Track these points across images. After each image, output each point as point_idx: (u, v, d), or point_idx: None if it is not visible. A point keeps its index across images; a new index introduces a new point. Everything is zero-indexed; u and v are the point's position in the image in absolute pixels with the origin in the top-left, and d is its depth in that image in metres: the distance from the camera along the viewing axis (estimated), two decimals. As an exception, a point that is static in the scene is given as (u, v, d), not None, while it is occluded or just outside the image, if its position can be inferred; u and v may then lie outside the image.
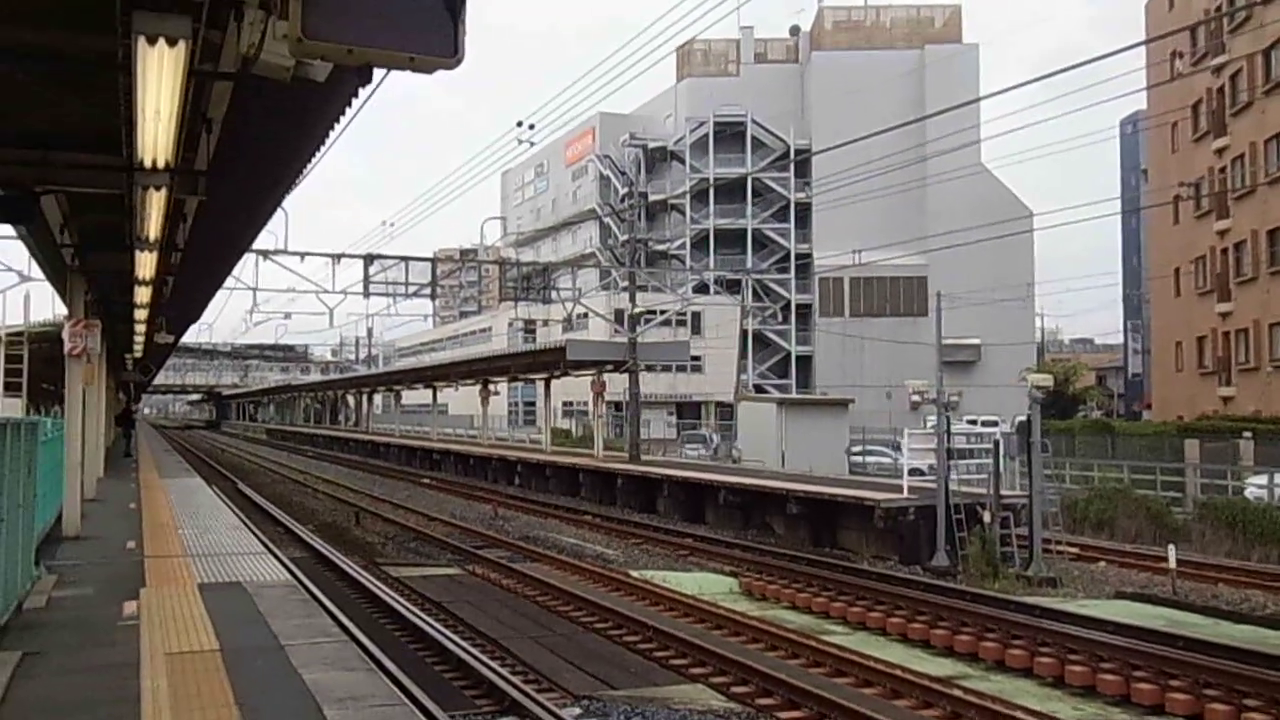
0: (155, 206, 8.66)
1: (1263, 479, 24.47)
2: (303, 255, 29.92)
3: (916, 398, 20.49)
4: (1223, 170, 47.04)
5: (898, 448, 25.78)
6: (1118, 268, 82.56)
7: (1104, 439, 36.87)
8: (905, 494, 19.51)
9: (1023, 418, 19.27)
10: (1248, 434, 29.29)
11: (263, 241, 27.42)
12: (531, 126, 27.76)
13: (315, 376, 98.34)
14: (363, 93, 7.38)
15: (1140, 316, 71.01)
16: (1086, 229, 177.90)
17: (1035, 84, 42.78)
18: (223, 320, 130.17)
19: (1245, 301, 44.74)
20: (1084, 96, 50.53)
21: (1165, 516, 23.14)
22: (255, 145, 8.94)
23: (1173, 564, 16.77)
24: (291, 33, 3.45)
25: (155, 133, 6.37)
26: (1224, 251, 46.74)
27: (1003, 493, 18.51)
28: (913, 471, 20.83)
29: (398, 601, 13.84)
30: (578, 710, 9.34)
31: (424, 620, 12.64)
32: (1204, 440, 29.69)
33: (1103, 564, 19.20)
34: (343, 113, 7.84)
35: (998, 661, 12.03)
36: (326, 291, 32.34)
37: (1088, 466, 30.06)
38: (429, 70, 3.81)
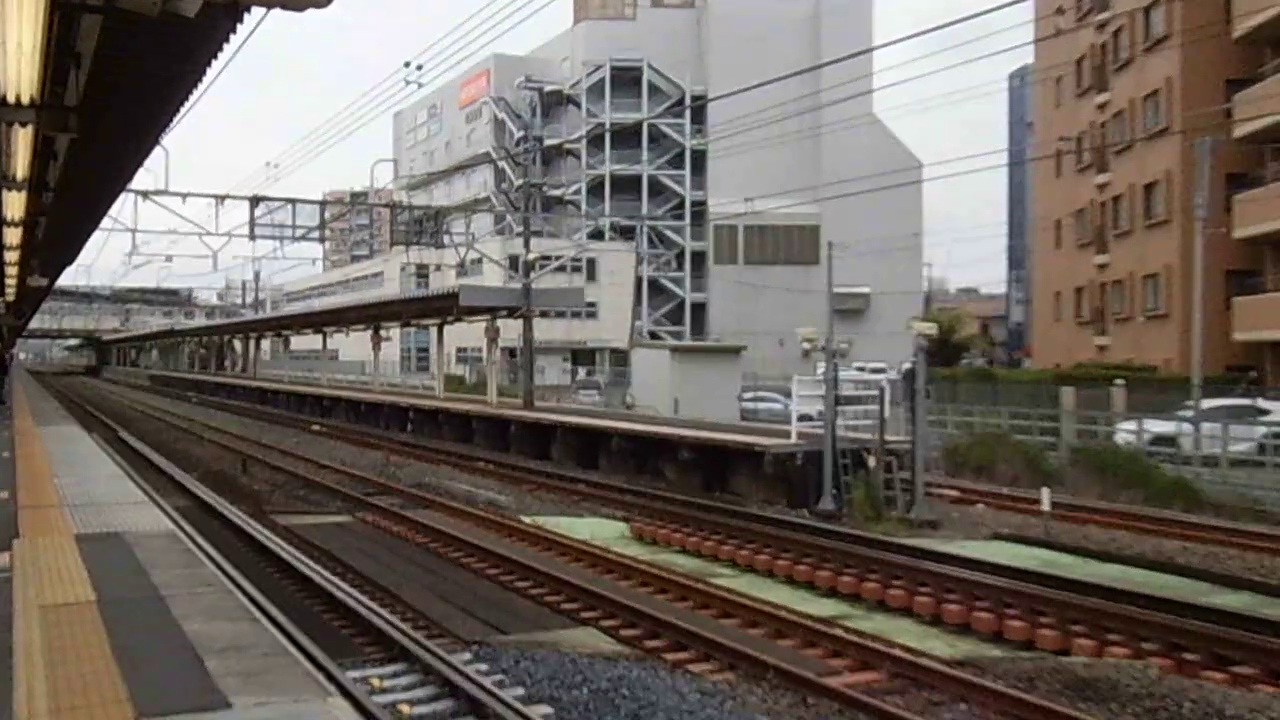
0: (22, 143, 8.32)
1: (1132, 425, 25.49)
2: (185, 196, 28.88)
3: (807, 345, 20.77)
4: (1104, 125, 48.43)
5: (789, 395, 26.22)
6: (1004, 219, 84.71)
7: (986, 386, 37.97)
8: (794, 440, 19.84)
9: (909, 365, 19.73)
10: (1120, 382, 30.44)
11: (141, 181, 26.44)
12: (419, 67, 27.12)
13: (200, 321, 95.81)
14: (241, 29, 7.16)
15: (1024, 267, 73.07)
16: (975, 180, 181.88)
17: (927, 35, 43.37)
18: (102, 262, 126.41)
19: (1121, 254, 46.35)
20: (974, 48, 51.42)
21: (1041, 461, 23.95)
22: (129, 82, 8.61)
23: (1046, 506, 17.40)
24: (156, -33, 3.33)
25: (19, 66, 6.09)
26: (1103, 205, 48.29)
27: (888, 438, 18.94)
28: (801, 418, 21.16)
29: (285, 550, 13.67)
30: (467, 655, 9.37)
31: (311, 568, 12.52)
32: (1080, 388, 30.75)
33: (981, 506, 19.84)
34: (220, 49, 7.58)
35: (879, 602, 12.39)
36: (210, 234, 31.50)
37: (969, 413, 30.93)
38: (299, 8, 3.70)
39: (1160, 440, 24.37)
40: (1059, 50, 49.27)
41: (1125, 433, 25.28)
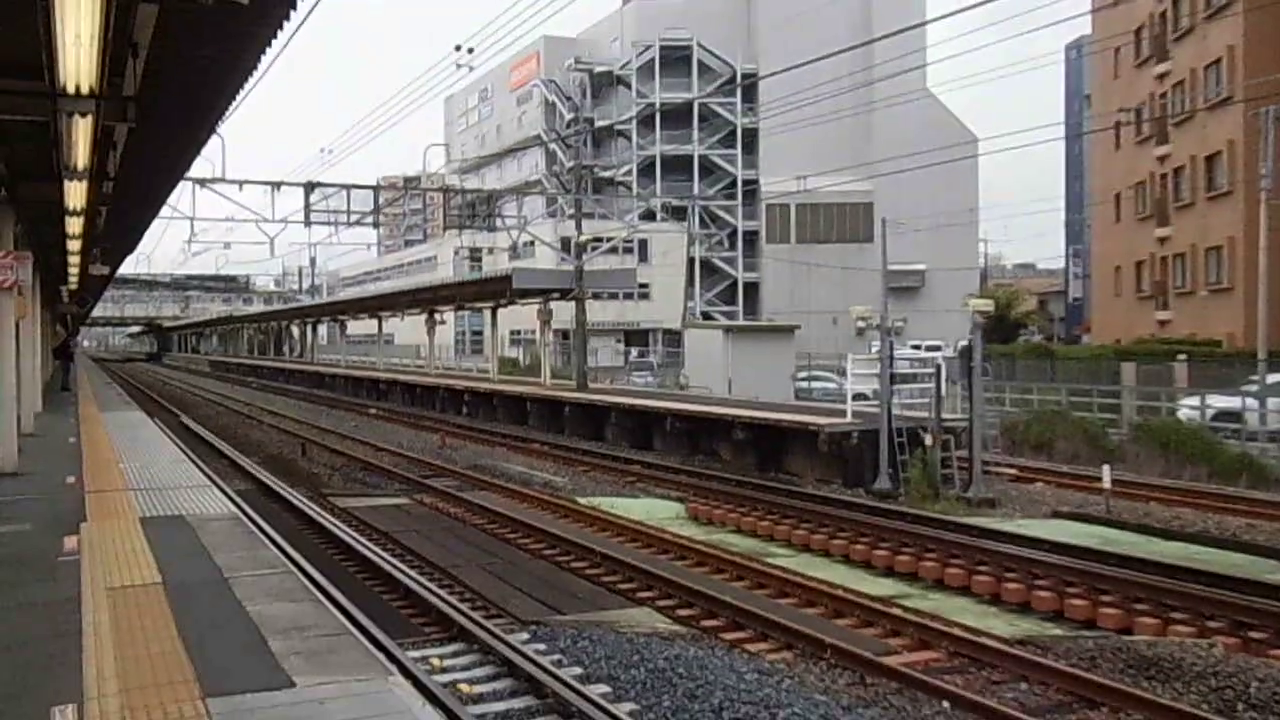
0: (82, 134, 8.43)
1: (1195, 400, 25.03)
2: (241, 184, 29.16)
3: (861, 324, 20.66)
4: (1164, 96, 47.41)
5: (843, 373, 26.04)
6: (1061, 193, 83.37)
7: (1044, 363, 37.44)
8: (849, 419, 19.75)
9: (965, 342, 19.51)
10: (1182, 357, 29.89)
11: (199, 169, 26.77)
12: (470, 50, 27.19)
13: (258, 307, 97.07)
14: (295, 16, 7.21)
15: (1082, 242, 71.93)
16: (1032, 154, 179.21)
17: (981, 8, 42.54)
18: (161, 251, 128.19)
19: (1183, 226, 45.41)
20: (1030, 19, 50.53)
21: (1101, 438, 23.62)
22: (185, 71, 8.71)
23: (1107, 484, 17.16)
24: (208, -47, 3.35)
25: (77, 58, 6.18)
26: (1163, 177, 47.30)
27: (944, 416, 18.77)
28: (857, 396, 21.04)
29: (344, 532, 13.85)
30: (525, 635, 9.44)
31: (371, 550, 12.67)
32: (1140, 363, 30.25)
33: (1040, 485, 19.62)
34: (274, 36, 7.65)
35: (937, 581, 12.31)
36: (266, 220, 31.81)
37: (1027, 390, 30.54)
38: (353, -8, 3.72)
39: (1224, 416, 23.90)
40: (1117, 20, 48.28)
41: (1188, 408, 24.82)
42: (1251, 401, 23.80)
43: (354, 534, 13.80)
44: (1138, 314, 49.52)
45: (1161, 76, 47.40)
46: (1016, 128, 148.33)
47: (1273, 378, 25.84)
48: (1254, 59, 38.57)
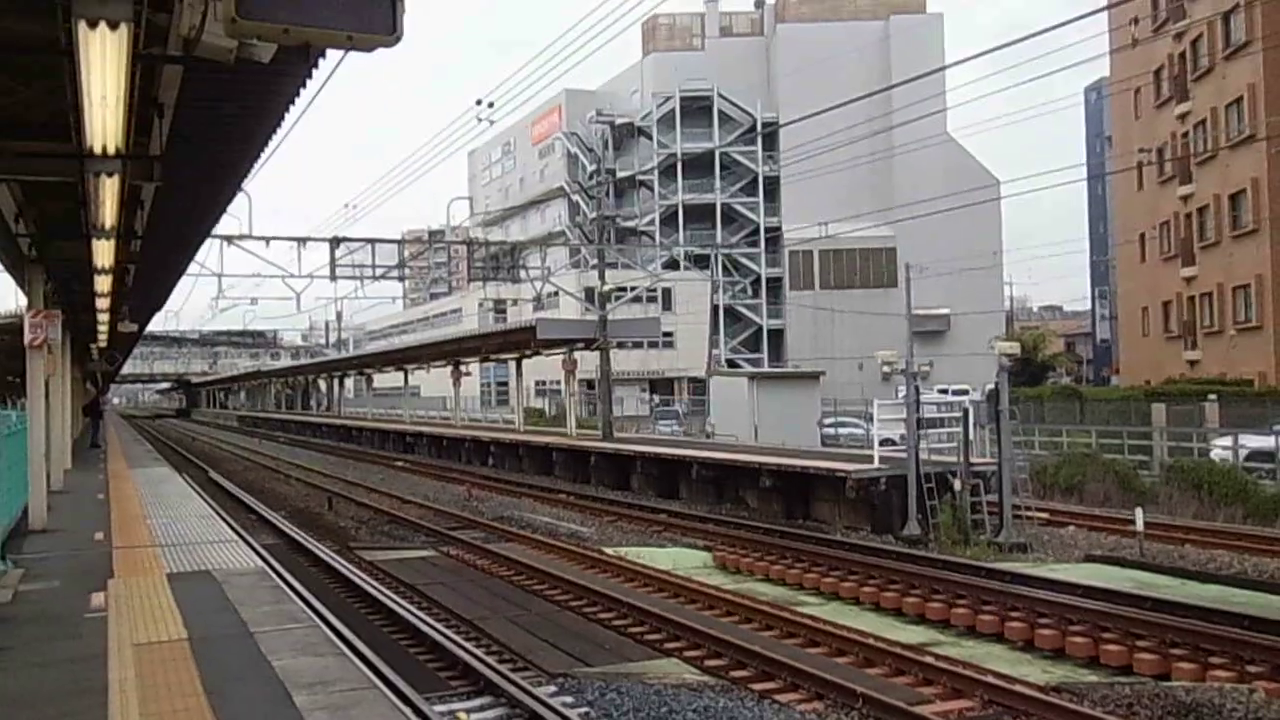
0: (109, 193, 8.55)
1: (1227, 440, 24.74)
2: (268, 240, 29.57)
3: (887, 368, 20.54)
4: (1185, 135, 47.38)
5: (870, 419, 25.89)
6: (1085, 234, 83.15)
7: (1072, 404, 37.18)
8: (876, 464, 19.58)
9: (992, 386, 19.38)
10: (1213, 397, 29.63)
11: (226, 226, 27.11)
12: (491, 105, 27.46)
13: (285, 361, 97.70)
14: (318, 74, 7.31)
15: (1107, 282, 71.61)
16: (1054, 196, 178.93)
17: (1000, 51, 42.78)
18: (189, 307, 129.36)
19: (1209, 265, 45.17)
20: (1048, 62, 50.73)
21: (1133, 480, 23.36)
22: (210, 129, 8.84)
23: (1140, 526, 16.94)
24: (226, 13, 3.41)
25: (104, 118, 6.27)
26: (1187, 216, 47.15)
27: (973, 460, 18.61)
28: (884, 442, 20.88)
29: (370, 585, 13.80)
30: (553, 688, 9.35)
31: (397, 603, 12.61)
32: (1170, 404, 30.00)
33: (1072, 528, 19.38)
34: (297, 94, 7.75)
35: (969, 628, 12.13)
36: (293, 276, 32.10)
37: (1056, 432, 30.29)
38: (369, 48, 3.77)
39: (1257, 455, 23.60)
40: (1135, 62, 48.39)
41: (1220, 449, 24.54)
42: (1285, 440, 23.50)
43: (380, 587, 13.75)
44: (1166, 354, 49.14)
45: (1182, 116, 47.39)
46: (1038, 170, 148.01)
47: (1306, 416, 25.56)
48: (1275, 96, 38.57)
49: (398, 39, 3.71)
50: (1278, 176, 33.67)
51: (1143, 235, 52.56)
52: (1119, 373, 59.86)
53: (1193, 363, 46.18)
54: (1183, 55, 47.14)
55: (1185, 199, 47.17)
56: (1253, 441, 24.41)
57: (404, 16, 3.66)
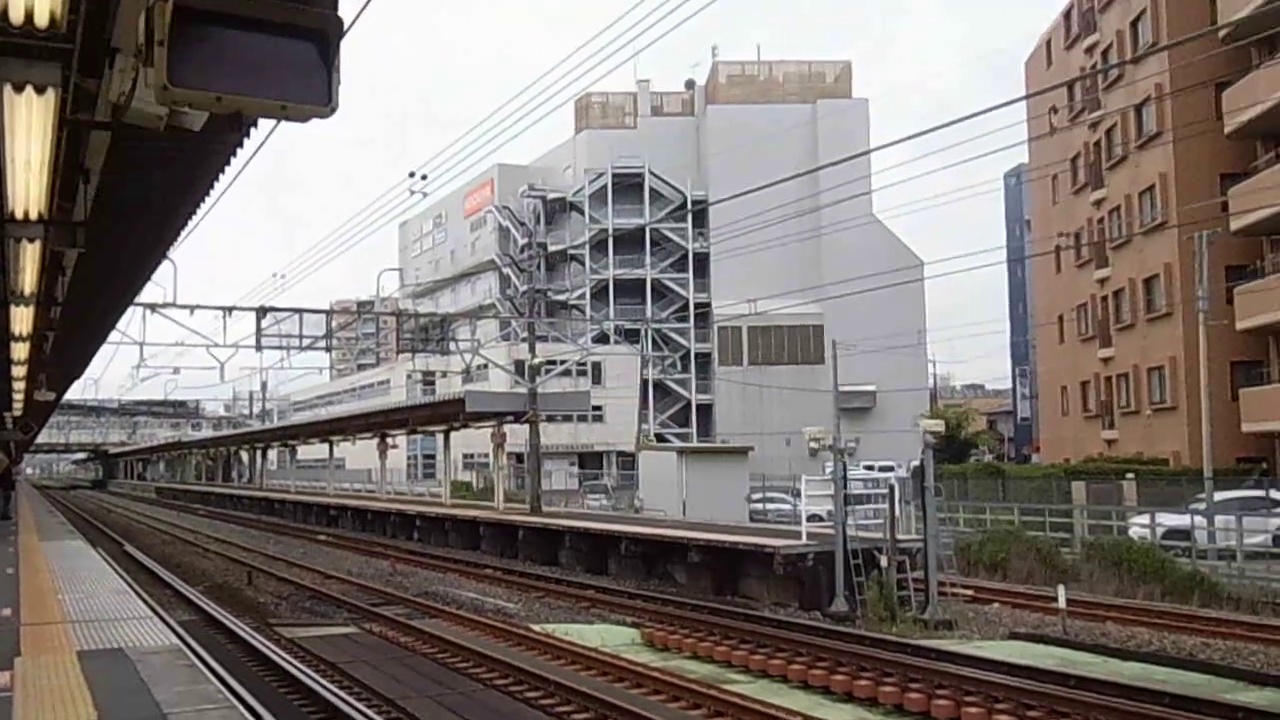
0: (30, 259, 8.38)
1: (1145, 519, 25.24)
2: (192, 309, 29.03)
3: (814, 444, 20.80)
4: (1101, 221, 48.93)
5: (798, 494, 26.05)
6: (1005, 314, 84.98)
7: (995, 482, 37.73)
8: (804, 540, 19.62)
9: (917, 462, 19.61)
10: (1130, 475, 30.27)
11: (149, 294, 26.62)
12: (424, 177, 27.55)
13: (207, 432, 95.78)
14: (249, 143, 7.28)
15: (1028, 362, 73.12)
16: (976, 277, 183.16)
17: (924, 135, 43.87)
18: (109, 375, 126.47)
19: (1125, 347, 46.42)
20: (971, 148, 52.19)
21: (1055, 557, 23.67)
22: (137, 197, 8.72)
23: (1063, 604, 17.12)
24: (157, 80, 3.38)
25: (27, 182, 6.17)
26: (1104, 299, 48.52)
27: (899, 537, 18.73)
28: (811, 518, 20.98)
29: (290, 663, 13.42)
30: (475, 770, 9.13)
31: (317, 681, 12.28)
32: (1090, 482, 30.61)
33: (996, 605, 19.54)
34: (228, 163, 7.70)
35: (896, 705, 12.10)
36: (217, 345, 31.56)
37: (980, 509, 30.68)
38: (303, 119, 3.76)
39: (1174, 534, 24.11)
40: (1054, 149, 50.03)
41: (1139, 526, 25.02)
42: (1200, 519, 24.03)
43: (300, 665, 13.38)
44: (1085, 433, 50.19)
45: (1098, 202, 49.00)
46: (961, 251, 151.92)
47: (1219, 495, 26.19)
48: (1185, 185, 40.05)
49: (333, 110, 3.71)
50: (1189, 262, 34.84)
51: (1061, 317, 53.93)
52: (1040, 451, 60.92)
53: (1110, 442, 47.18)
54: (1098, 144, 48.85)
55: (1102, 282, 48.58)
56: (1169, 520, 24.94)
57: (339, 88, 3.67)
